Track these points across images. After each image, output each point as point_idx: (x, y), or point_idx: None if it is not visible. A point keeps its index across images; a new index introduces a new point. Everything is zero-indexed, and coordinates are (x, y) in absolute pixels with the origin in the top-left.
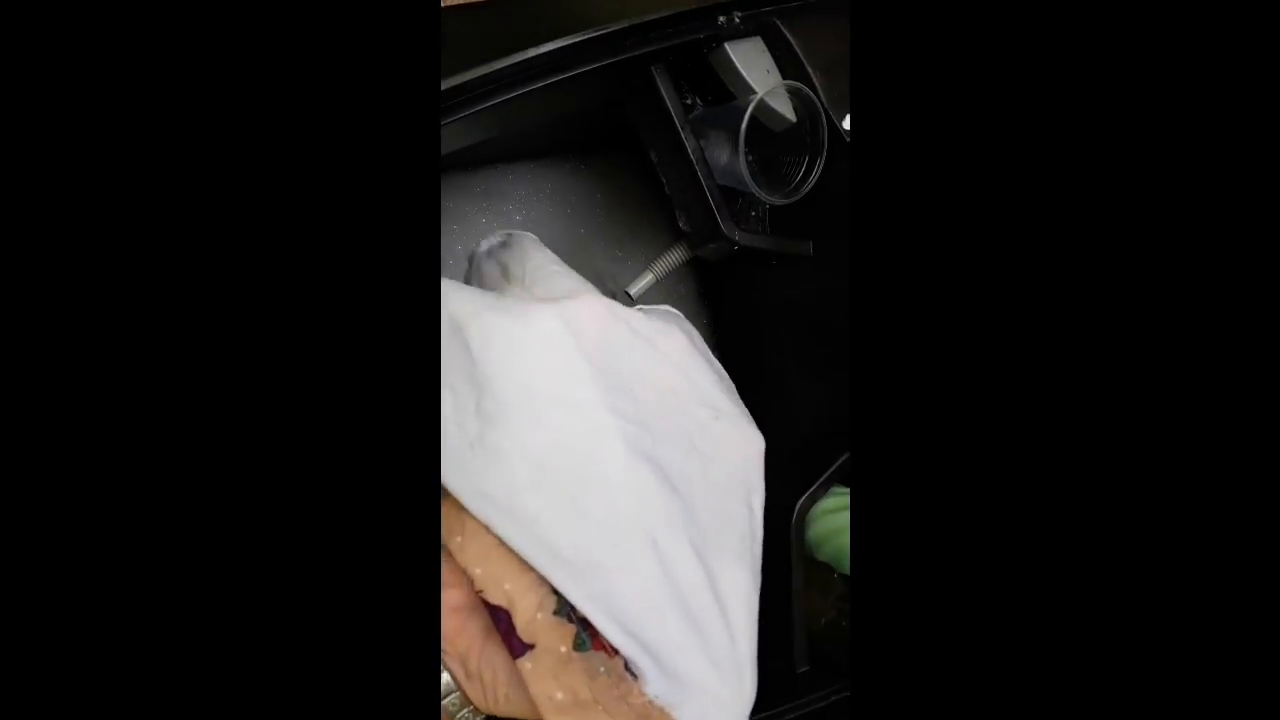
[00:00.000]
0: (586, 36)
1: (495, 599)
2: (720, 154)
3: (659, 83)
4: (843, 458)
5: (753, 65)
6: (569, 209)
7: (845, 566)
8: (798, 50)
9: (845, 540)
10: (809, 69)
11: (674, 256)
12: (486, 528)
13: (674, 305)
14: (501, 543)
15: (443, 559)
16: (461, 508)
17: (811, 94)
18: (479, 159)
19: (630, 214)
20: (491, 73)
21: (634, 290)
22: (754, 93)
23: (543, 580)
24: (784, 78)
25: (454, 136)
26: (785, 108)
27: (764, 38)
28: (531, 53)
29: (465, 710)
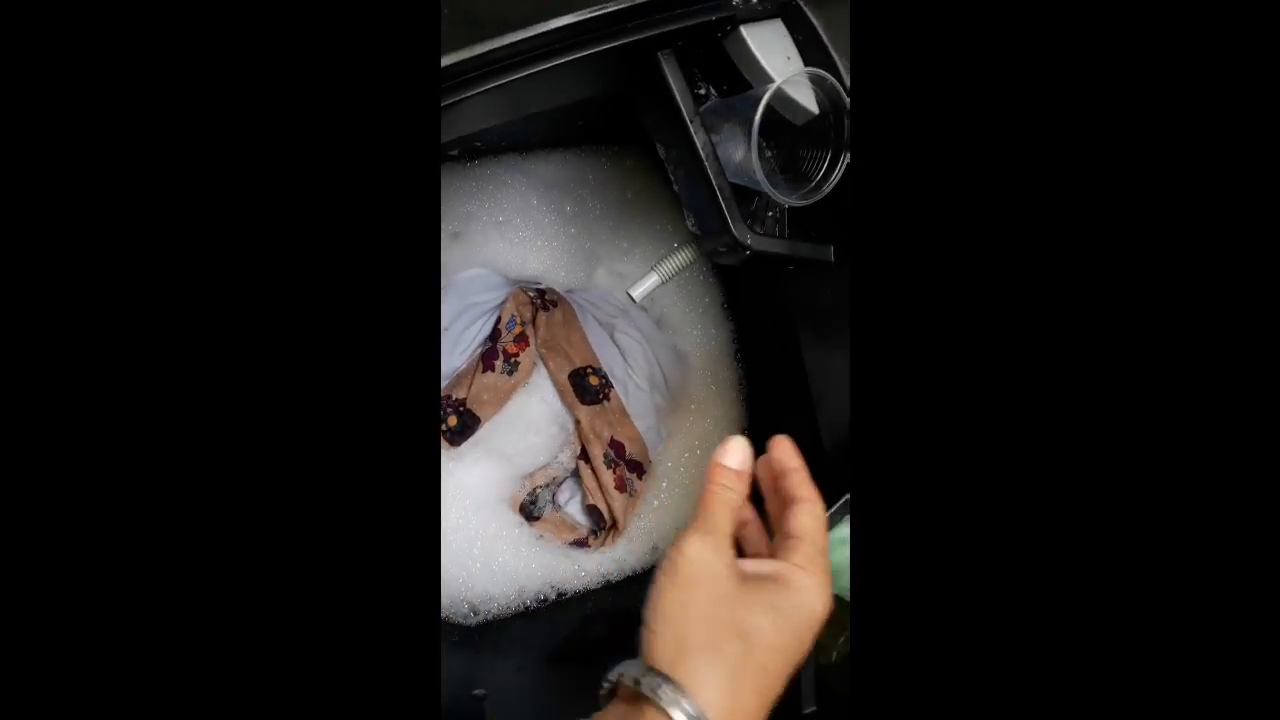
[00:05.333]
0: (584, 17)
1: None
2: (734, 149)
3: (665, 70)
4: None
5: (772, 51)
6: (573, 203)
7: None
8: (822, 34)
9: None
10: (834, 55)
11: (680, 258)
12: None
13: (692, 311)
14: None
15: None
16: None
17: (836, 83)
18: (477, 149)
19: (641, 210)
20: (474, 57)
21: (636, 293)
22: (772, 81)
23: None
24: (806, 64)
25: (444, 126)
26: (807, 98)
27: (784, 20)
28: (520, 35)
29: None
